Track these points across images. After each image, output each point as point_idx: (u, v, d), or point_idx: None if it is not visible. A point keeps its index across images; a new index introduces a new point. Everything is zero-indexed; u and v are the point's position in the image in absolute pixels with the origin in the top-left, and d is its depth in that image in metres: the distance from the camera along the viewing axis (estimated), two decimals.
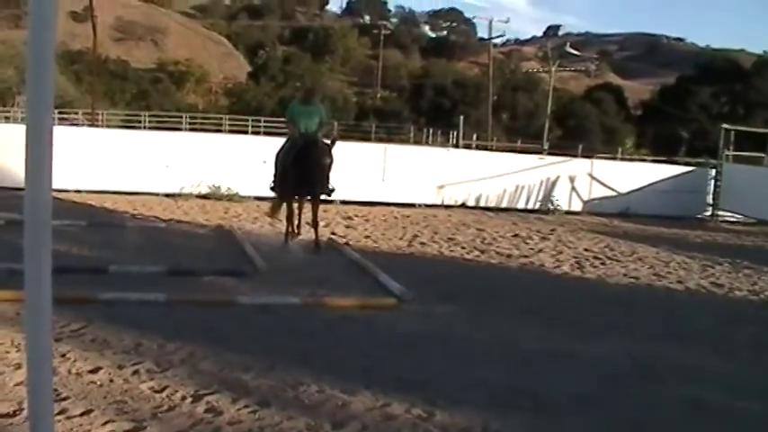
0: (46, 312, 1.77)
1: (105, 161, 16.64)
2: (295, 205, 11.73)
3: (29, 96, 1.62)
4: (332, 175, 11.27)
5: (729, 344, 7.59)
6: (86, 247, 10.29)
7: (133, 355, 5.75)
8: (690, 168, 23.21)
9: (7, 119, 39.56)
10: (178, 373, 5.41)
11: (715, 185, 21.30)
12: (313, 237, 11.60)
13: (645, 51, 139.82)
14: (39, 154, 1.66)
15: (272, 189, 12.02)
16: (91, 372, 5.32)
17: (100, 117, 39.92)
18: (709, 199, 21.40)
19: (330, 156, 11.14)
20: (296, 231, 11.76)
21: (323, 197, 11.76)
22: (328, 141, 11.36)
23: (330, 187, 11.40)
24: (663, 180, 20.90)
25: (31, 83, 1.60)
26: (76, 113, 40.96)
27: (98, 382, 5.13)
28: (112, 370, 5.39)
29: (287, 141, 11.79)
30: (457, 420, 4.90)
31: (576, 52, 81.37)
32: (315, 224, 11.57)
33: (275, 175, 11.78)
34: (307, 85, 12.77)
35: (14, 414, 4.46)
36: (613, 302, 9.34)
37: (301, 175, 11.03)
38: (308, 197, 11.65)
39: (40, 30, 1.60)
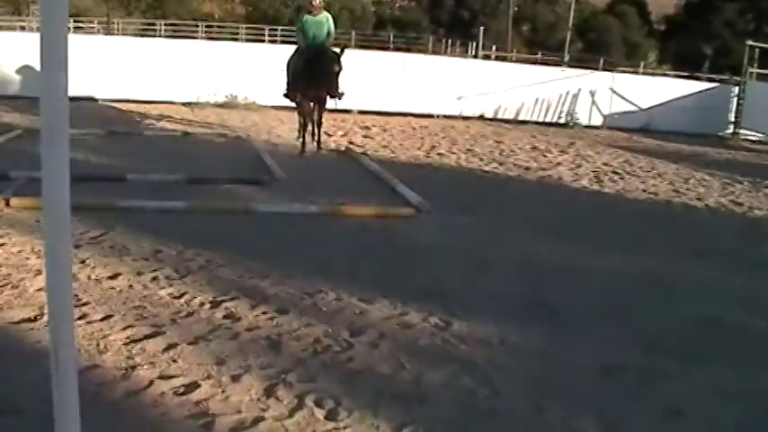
0: (65, 216, 1.75)
1: (121, 70, 16.52)
2: (306, 109, 12.21)
3: (43, 4, 1.58)
4: (341, 81, 11.64)
5: (748, 262, 7.55)
6: (105, 155, 10.29)
7: (152, 262, 5.78)
8: (712, 85, 22.84)
9: (23, 28, 39.26)
10: (197, 280, 5.44)
11: (737, 103, 21.01)
12: (321, 139, 12.38)
13: None
14: (53, 65, 1.62)
15: (285, 96, 12.49)
16: (110, 278, 5.36)
17: (115, 26, 39.54)
18: (731, 117, 21.13)
19: (338, 63, 11.52)
20: (308, 136, 12.21)
21: (334, 104, 12.42)
22: (337, 50, 11.67)
23: (340, 91, 11.77)
24: (685, 96, 20.61)
25: None
26: (92, 22, 40.57)
27: (117, 288, 5.17)
28: (131, 276, 5.43)
29: (296, 50, 12.44)
30: (474, 330, 4.92)
31: None
32: (318, 126, 12.26)
33: (288, 83, 12.35)
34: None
35: (35, 319, 4.50)
36: (631, 217, 9.31)
37: (310, 80, 11.59)
38: (316, 102, 12.06)
39: None
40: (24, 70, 16.25)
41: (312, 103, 12.15)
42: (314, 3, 12.19)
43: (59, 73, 1.68)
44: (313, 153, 11.94)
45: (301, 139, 12.16)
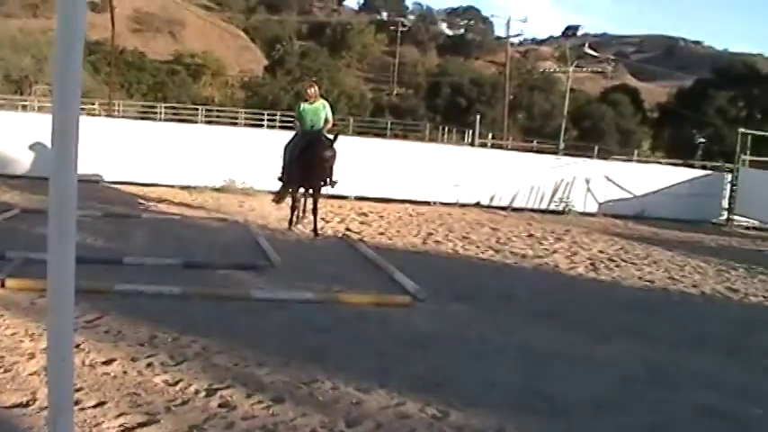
0: (68, 305, 1.75)
1: (122, 152, 16.65)
2: (298, 194, 12.83)
3: (56, 88, 1.61)
4: (335, 168, 12.17)
5: (745, 350, 7.55)
6: (102, 237, 10.29)
7: (147, 348, 5.74)
8: (706, 172, 23.11)
9: (24, 107, 39.68)
10: (192, 367, 5.39)
11: (731, 190, 21.23)
12: (318, 226, 12.56)
13: (662, 53, 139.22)
14: (65, 145, 1.64)
15: (279, 179, 12.98)
16: (105, 363, 5.31)
17: (117, 108, 40.02)
18: (725, 203, 21.33)
19: (332, 150, 12.02)
20: (297, 219, 12.92)
21: (327, 190, 12.69)
22: (331, 137, 12.23)
23: (333, 180, 12.29)
24: (679, 183, 20.83)
25: (58, 75, 1.59)
26: (93, 104, 41.03)
27: (112, 374, 5.12)
28: (126, 362, 5.38)
29: (295, 136, 12.96)
30: (472, 421, 4.87)
31: (593, 53, 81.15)
32: (314, 212, 12.56)
33: (283, 167, 12.86)
34: (306, 85, 13.48)
35: (28, 404, 4.44)
36: (628, 305, 9.29)
37: (305, 167, 12.11)
38: (311, 188, 12.63)
39: (69, 23, 1.58)
40: (24, 150, 16.37)
41: (306, 189, 12.61)
42: (309, 92, 12.74)
43: (69, 155, 1.69)
44: (310, 238, 12.07)
45: (291, 218, 12.84)
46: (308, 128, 12.50)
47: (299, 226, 12.81)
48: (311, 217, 12.61)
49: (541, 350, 6.70)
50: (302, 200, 12.98)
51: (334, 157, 12.05)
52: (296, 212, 12.87)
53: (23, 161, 16.35)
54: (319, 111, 12.61)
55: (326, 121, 12.65)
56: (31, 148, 16.04)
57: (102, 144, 16.02)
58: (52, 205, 1.67)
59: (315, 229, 12.43)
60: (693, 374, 6.44)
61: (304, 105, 12.73)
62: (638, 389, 5.90)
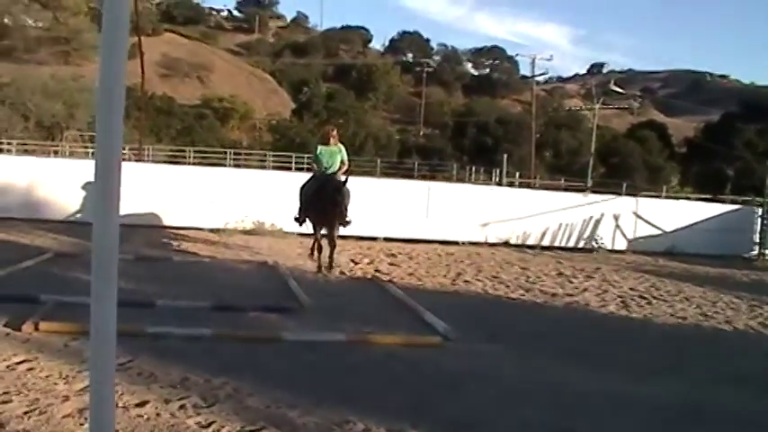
0: (110, 347, 1.78)
1: (152, 195, 16.83)
2: (319, 234, 13.08)
3: (99, 134, 1.65)
4: (348, 208, 12.81)
5: None
6: (133, 280, 10.36)
7: (180, 390, 5.75)
8: (736, 207, 22.97)
9: (56, 153, 40.21)
10: (224, 409, 5.40)
11: (762, 224, 21.06)
12: (332, 264, 12.96)
13: (689, 88, 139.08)
14: (107, 190, 1.68)
15: (295, 220, 13.59)
16: (138, 405, 5.33)
17: (146, 152, 40.41)
18: (756, 238, 21.15)
19: (342, 192, 12.59)
20: (317, 257, 13.13)
21: (340, 230, 13.27)
22: (343, 178, 12.81)
23: (347, 220, 12.91)
24: (708, 218, 20.71)
25: (101, 120, 1.63)
26: (123, 148, 41.34)
27: (145, 416, 5.14)
28: (159, 404, 5.40)
29: (311, 178, 13.51)
30: None
31: (619, 90, 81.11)
32: (330, 248, 12.96)
33: (299, 208, 13.39)
34: (329, 128, 13.91)
35: None
36: (660, 343, 9.22)
37: (319, 208, 12.71)
38: (325, 228, 13.00)
39: (111, 69, 1.63)
40: (56, 195, 16.61)
41: (322, 228, 13.01)
42: (332, 134, 13.25)
43: (112, 199, 1.73)
44: (337, 278, 12.24)
45: (316, 259, 13.08)
46: (323, 169, 12.99)
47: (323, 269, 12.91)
48: (327, 252, 12.96)
49: (574, 389, 6.64)
50: (319, 241, 13.20)
51: (344, 198, 12.62)
52: (316, 250, 13.12)
53: (54, 206, 16.58)
54: (335, 154, 13.09)
55: (342, 162, 13.09)
56: (59, 192, 16.29)
57: (133, 188, 16.20)
58: (95, 248, 1.71)
59: (330, 265, 12.87)
60: (730, 412, 6.35)
61: (321, 148, 13.21)
62: (674, 428, 5.84)
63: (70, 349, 6.52)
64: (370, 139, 62.64)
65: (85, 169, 17.01)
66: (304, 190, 13.26)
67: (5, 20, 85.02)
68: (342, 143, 13.50)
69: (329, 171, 12.97)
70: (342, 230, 13.73)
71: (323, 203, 12.57)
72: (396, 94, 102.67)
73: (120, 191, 1.74)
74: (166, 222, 16.79)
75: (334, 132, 13.41)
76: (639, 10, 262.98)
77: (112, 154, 1.69)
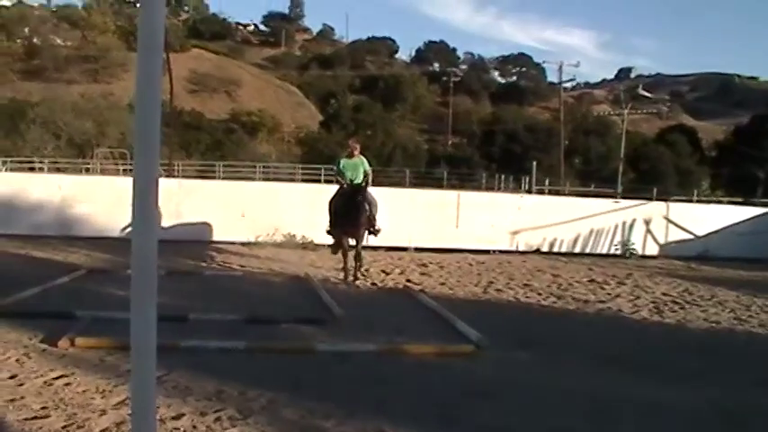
0: (151, 357, 1.82)
1: (182, 210, 16.96)
2: (346, 243, 13.31)
3: (137, 152, 1.70)
4: (376, 217, 13.41)
5: None
6: (166, 295, 10.43)
7: (215, 402, 5.80)
8: None
9: (87, 170, 40.61)
10: (260, 420, 5.44)
11: None
12: (357, 274, 13.31)
13: (717, 91, 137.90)
14: (145, 207, 1.73)
15: (327, 233, 13.79)
16: (174, 418, 5.39)
17: (176, 167, 40.73)
18: None
19: (370, 200, 13.22)
20: (348, 268, 13.28)
21: (367, 239, 13.93)
22: (362, 183, 13.23)
23: (376, 227, 13.50)
24: (740, 222, 20.53)
25: (138, 139, 1.68)
26: None
27: (181, 429, 5.19)
28: (195, 417, 5.45)
29: (338, 191, 13.64)
30: None
31: (648, 94, 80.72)
32: (355, 260, 13.33)
33: (330, 221, 13.60)
34: (353, 141, 14.17)
35: None
36: (694, 348, 9.14)
37: (346, 218, 13.01)
38: (353, 238, 13.33)
39: (148, 89, 1.68)
40: (88, 211, 16.79)
41: (350, 239, 13.30)
42: (355, 147, 13.64)
43: (150, 215, 1.78)
44: (369, 289, 12.38)
45: (343, 268, 13.24)
46: (349, 181, 13.22)
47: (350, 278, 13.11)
48: (354, 262, 13.24)
49: (608, 396, 6.62)
50: (350, 250, 13.42)
51: (372, 206, 13.26)
52: (347, 262, 13.30)
53: (86, 222, 16.77)
54: (358, 165, 13.38)
55: (365, 173, 13.36)
56: (91, 209, 16.49)
57: (163, 203, 16.33)
58: (134, 264, 1.76)
59: (355, 275, 13.17)
60: (764, 416, 6.31)
61: (344, 162, 13.52)
62: None
63: (106, 364, 6.60)
64: (398, 149, 62.75)
65: (117, 185, 17.20)
66: (332, 203, 13.50)
67: (35, 40, 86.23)
68: (363, 154, 13.78)
69: (355, 182, 13.16)
70: (372, 240, 13.95)
71: (351, 213, 12.88)
72: (423, 104, 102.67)
73: (157, 207, 1.79)
74: (198, 237, 16.90)
75: (357, 146, 13.76)
76: (664, 13, 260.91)
77: (150, 171, 1.73)
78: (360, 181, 13.21)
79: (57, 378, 6.17)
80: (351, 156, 13.52)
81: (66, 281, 11.24)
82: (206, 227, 17.17)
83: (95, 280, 11.52)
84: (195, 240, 16.66)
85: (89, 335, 7.43)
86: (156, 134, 1.73)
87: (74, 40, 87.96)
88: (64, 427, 5.04)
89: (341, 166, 13.51)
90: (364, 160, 13.58)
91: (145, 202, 1.74)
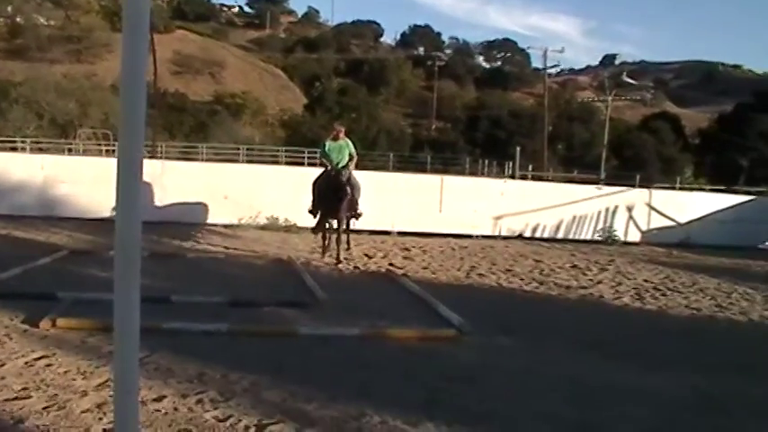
0: (134, 338, 1.81)
1: (164, 192, 16.89)
2: (327, 225, 13.81)
3: (121, 133, 1.67)
4: (359, 201, 13.87)
5: None
6: (148, 277, 10.40)
7: (197, 384, 5.79)
8: (750, 197, 22.88)
9: (70, 150, 40.37)
10: (241, 403, 5.43)
11: None
12: (341, 256, 13.43)
13: (701, 79, 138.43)
14: (129, 187, 1.71)
15: (309, 212, 14.06)
16: (155, 400, 5.38)
17: (159, 149, 40.52)
18: None
19: (353, 184, 13.50)
20: (327, 249, 13.79)
21: (353, 223, 14.51)
22: (351, 167, 13.61)
23: (358, 211, 13.97)
24: (723, 210, 20.64)
25: (123, 120, 1.65)
26: None
27: (162, 411, 5.18)
28: (177, 399, 5.44)
29: (323, 173, 13.93)
30: None
31: (632, 81, 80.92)
32: (338, 242, 13.53)
33: (312, 202, 13.97)
34: (337, 125, 14.28)
35: None
36: (675, 334, 9.20)
37: (329, 201, 13.24)
38: (336, 220, 13.65)
39: (133, 70, 1.66)
40: (70, 192, 16.70)
41: (333, 222, 13.74)
42: (340, 130, 13.82)
43: (134, 196, 1.76)
44: (351, 273, 12.34)
45: (321, 247, 13.88)
46: (335, 164, 13.46)
47: (333, 256, 13.45)
48: (336, 245, 13.52)
49: (590, 381, 6.65)
50: (331, 233, 13.92)
51: (354, 189, 13.55)
52: (326, 242, 13.81)
53: (68, 203, 16.68)
54: (343, 148, 13.66)
55: (351, 157, 13.64)
56: (73, 190, 16.39)
57: (145, 185, 16.27)
58: (118, 245, 1.74)
59: (337, 258, 13.23)
60: (746, 402, 6.35)
61: (329, 144, 13.80)
62: (691, 418, 5.83)
63: (88, 345, 6.58)
64: (382, 133, 62.67)
65: (100, 166, 17.12)
66: (316, 184, 13.71)
67: (18, 19, 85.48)
68: (348, 137, 14.00)
69: (340, 165, 13.35)
70: (354, 224, 14.00)
71: (334, 196, 13.09)
72: (407, 88, 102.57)
73: (141, 189, 1.77)
74: (180, 219, 16.83)
75: (342, 129, 13.97)
76: (650, 1, 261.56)
77: (134, 153, 1.72)
78: (344, 164, 13.37)
79: (38, 359, 6.14)
80: (336, 138, 13.68)
81: (48, 261, 11.18)
82: (189, 208, 17.12)
83: (77, 261, 11.46)
84: (178, 222, 16.59)
85: (71, 316, 7.40)
86: (142, 115, 1.71)
87: (57, 20, 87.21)
88: (45, 408, 5.01)
89: (326, 148, 13.72)
90: (350, 143, 13.81)
91: (129, 183, 1.73)
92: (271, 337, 7.47)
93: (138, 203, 1.76)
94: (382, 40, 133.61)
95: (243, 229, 16.79)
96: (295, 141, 52.40)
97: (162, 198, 16.78)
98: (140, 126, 1.71)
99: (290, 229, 16.86)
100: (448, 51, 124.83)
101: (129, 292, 1.77)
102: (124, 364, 1.79)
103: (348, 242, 14.28)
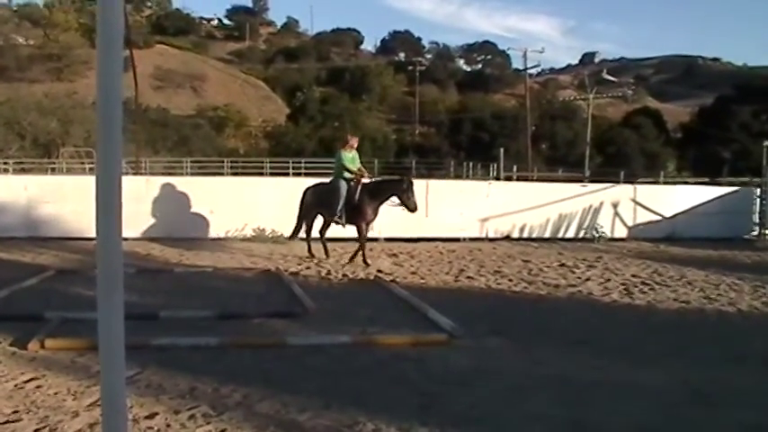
0: (119, 357, 1.81)
1: (150, 208, 16.86)
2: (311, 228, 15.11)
3: (99, 149, 1.67)
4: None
5: None
6: (136, 293, 10.36)
7: (188, 400, 5.77)
8: (734, 189, 22.99)
9: (53, 170, 40.21)
10: (234, 416, 5.41)
11: (761, 204, 21.08)
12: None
13: (681, 73, 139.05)
14: (109, 204, 1.70)
15: (336, 221, 14.60)
16: (147, 417, 5.35)
17: (143, 165, 40.39)
18: (756, 218, 21.18)
19: (350, 193, 14.12)
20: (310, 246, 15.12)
21: (339, 227, 14.91)
22: (366, 180, 14.52)
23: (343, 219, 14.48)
24: (707, 202, 20.75)
25: (101, 136, 1.65)
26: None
27: (155, 428, 5.15)
28: (169, 415, 5.42)
29: (332, 181, 14.54)
30: None
31: (612, 78, 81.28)
32: (362, 248, 14.26)
33: (299, 210, 15.10)
34: (350, 135, 14.61)
35: None
36: (665, 328, 9.22)
37: (352, 210, 14.06)
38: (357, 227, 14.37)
39: (108, 84, 1.65)
40: (55, 212, 16.64)
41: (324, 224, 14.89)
42: (354, 142, 14.59)
43: (114, 215, 1.75)
44: (340, 281, 12.36)
45: (307, 248, 14.96)
46: (350, 173, 14.18)
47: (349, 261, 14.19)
48: (363, 252, 14.26)
49: (581, 380, 6.66)
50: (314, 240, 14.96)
51: (342, 199, 14.17)
52: (309, 239, 15.05)
53: (53, 223, 16.61)
54: (356, 159, 14.39)
55: (359, 168, 14.39)
56: (58, 209, 16.32)
57: (130, 201, 16.22)
58: (100, 264, 1.73)
59: (364, 260, 14.05)
60: (736, 393, 6.36)
61: (345, 154, 14.29)
62: (681, 412, 5.84)
63: (77, 365, 6.55)
64: (366, 140, 62.56)
65: (84, 185, 17.06)
66: (337, 191, 14.23)
67: None
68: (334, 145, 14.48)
69: (350, 175, 14.20)
70: (342, 232, 14.09)
71: (355, 205, 14.00)
72: (390, 94, 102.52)
73: (121, 205, 1.76)
74: (167, 234, 16.79)
75: (356, 141, 14.73)
76: None
77: (113, 169, 1.71)
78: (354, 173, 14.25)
79: (27, 381, 6.11)
80: (350, 149, 14.33)
81: (35, 282, 11.13)
82: (175, 223, 17.08)
83: (64, 281, 11.41)
84: (165, 237, 16.55)
85: (59, 336, 7.36)
86: (118, 130, 1.70)
87: (36, 39, 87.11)
88: (36, 431, 4.99)
89: (343, 158, 14.22)
90: (357, 154, 14.55)
91: (108, 199, 1.72)
92: (261, 349, 7.44)
93: (118, 219, 1.75)
94: (363, 47, 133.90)
95: (230, 242, 16.77)
96: (279, 152, 52.35)
97: (147, 214, 16.74)
98: (117, 141, 1.70)
99: (277, 239, 16.84)
100: (429, 56, 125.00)
101: (113, 309, 1.76)
102: (111, 383, 1.78)
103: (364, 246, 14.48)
